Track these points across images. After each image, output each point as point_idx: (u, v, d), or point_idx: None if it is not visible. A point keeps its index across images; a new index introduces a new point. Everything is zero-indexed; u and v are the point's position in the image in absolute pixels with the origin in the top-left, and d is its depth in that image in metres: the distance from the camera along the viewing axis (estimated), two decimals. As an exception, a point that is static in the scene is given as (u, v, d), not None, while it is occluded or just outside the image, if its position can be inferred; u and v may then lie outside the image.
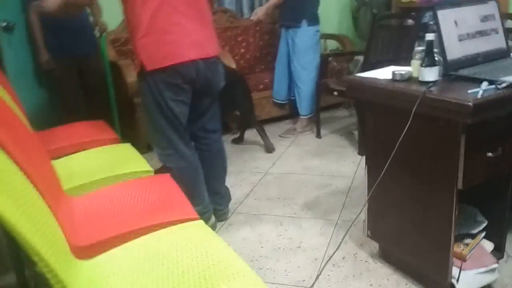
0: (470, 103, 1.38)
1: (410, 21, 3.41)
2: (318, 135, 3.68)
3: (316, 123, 3.70)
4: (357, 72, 3.71)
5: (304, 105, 3.74)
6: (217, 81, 2.18)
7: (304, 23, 3.54)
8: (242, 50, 4.34)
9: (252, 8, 4.47)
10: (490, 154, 1.54)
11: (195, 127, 2.26)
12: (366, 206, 1.95)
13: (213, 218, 2.34)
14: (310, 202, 2.61)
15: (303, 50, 3.61)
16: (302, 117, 3.79)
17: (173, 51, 1.98)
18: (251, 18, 3.57)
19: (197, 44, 2.04)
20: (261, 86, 3.93)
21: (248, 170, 3.10)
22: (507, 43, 1.89)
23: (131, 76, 3.36)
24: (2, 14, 2.92)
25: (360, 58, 3.68)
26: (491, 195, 1.80)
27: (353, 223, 1.94)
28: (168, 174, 1.87)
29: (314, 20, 3.61)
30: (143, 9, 1.94)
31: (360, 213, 1.76)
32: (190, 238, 1.38)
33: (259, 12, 3.50)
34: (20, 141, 1.45)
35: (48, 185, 1.47)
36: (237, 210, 2.56)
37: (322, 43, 4.55)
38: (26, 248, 0.91)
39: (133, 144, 3.56)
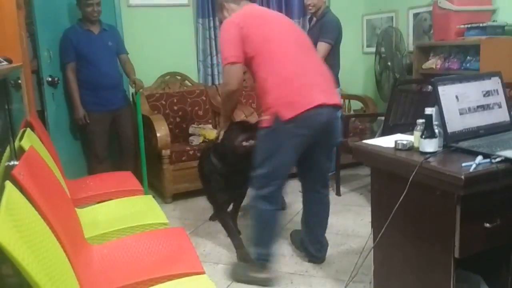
0: (462, 176, 1.46)
1: (429, 87, 3.51)
2: (338, 193, 3.75)
3: (335, 180, 3.78)
4: (379, 133, 3.82)
5: (324, 164, 3.83)
6: None
7: None
8: (269, 108, 4.52)
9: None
10: (487, 224, 1.59)
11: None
12: (372, 269, 2.00)
13: (270, 273, 2.41)
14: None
15: None
16: (322, 174, 3.87)
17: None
18: None
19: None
20: (284, 143, 4.07)
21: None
22: (510, 117, 1.97)
23: (161, 130, 3.58)
24: (47, 70, 3.24)
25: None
26: (494, 264, 1.82)
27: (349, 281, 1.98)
28: (182, 228, 1.99)
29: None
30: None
31: (355, 275, 1.81)
32: (192, 292, 1.48)
33: None
34: (47, 192, 1.62)
35: (69, 233, 1.62)
36: (250, 265, 2.63)
37: (347, 104, 4.71)
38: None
39: (160, 194, 3.75)
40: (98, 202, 2.47)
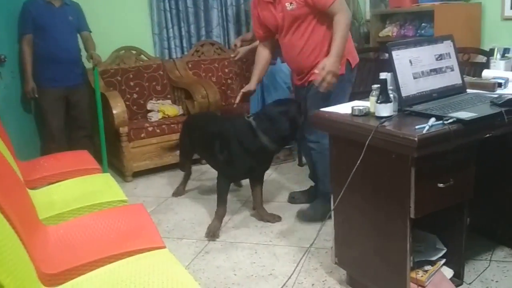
0: (415, 138, 1.48)
1: (386, 55, 3.55)
2: (300, 163, 3.77)
3: (298, 151, 3.80)
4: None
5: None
6: None
7: (278, 60, 3.61)
8: (229, 81, 4.48)
9: (239, 41, 4.62)
10: (441, 185, 1.64)
11: None
12: (333, 233, 2.03)
13: None
14: (286, 229, 2.68)
15: (278, 86, 3.68)
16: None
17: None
18: (232, 56, 3.63)
19: None
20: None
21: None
22: (462, 80, 2.01)
23: (117, 107, 3.47)
24: (-7, 48, 3.06)
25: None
26: (449, 223, 1.89)
27: (308, 249, 2.01)
28: (140, 204, 1.95)
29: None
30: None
31: (314, 240, 1.85)
32: (153, 266, 1.46)
33: (241, 52, 3.57)
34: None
35: (21, 215, 1.55)
36: (214, 237, 2.63)
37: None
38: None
39: (120, 173, 3.68)
40: (54, 183, 2.39)
